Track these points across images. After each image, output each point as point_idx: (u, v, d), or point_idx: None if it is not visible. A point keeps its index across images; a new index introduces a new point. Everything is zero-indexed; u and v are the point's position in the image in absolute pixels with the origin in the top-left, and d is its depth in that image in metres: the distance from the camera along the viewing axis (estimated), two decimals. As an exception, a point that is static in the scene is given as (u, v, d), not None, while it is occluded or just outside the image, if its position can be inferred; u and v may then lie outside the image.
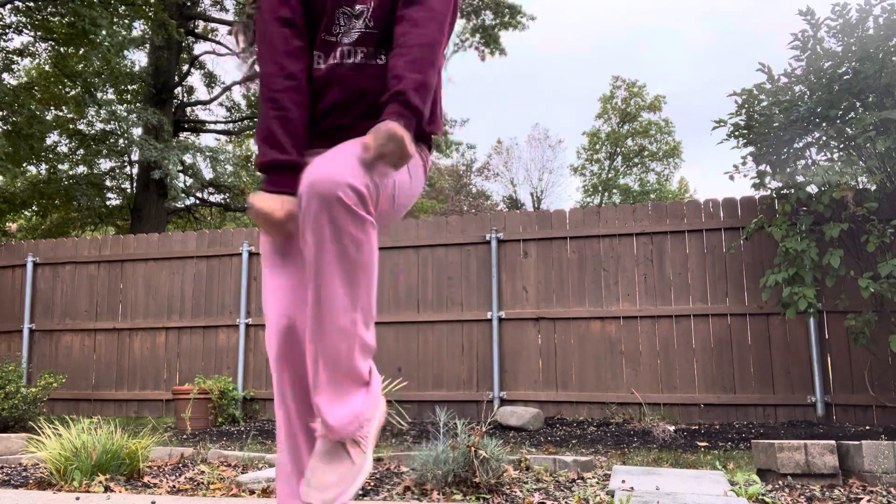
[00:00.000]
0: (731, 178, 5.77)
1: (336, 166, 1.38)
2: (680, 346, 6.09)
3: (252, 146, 20.89)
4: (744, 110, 5.61)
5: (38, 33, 10.92)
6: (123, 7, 10.67)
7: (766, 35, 44.00)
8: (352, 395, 1.48)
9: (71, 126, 13.54)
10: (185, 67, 15.57)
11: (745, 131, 5.64)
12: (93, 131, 13.87)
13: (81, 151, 14.08)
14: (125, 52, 12.21)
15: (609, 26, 46.24)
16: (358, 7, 1.60)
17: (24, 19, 10.70)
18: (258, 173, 1.55)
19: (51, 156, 13.43)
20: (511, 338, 6.47)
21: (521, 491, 3.06)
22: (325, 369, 1.44)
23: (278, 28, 1.60)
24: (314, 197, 1.36)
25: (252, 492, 3.10)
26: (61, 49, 11.39)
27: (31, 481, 3.40)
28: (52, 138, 13.55)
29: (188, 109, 16.44)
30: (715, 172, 44.36)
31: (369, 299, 1.47)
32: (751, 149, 5.70)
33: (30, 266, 7.80)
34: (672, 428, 5.45)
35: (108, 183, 15.44)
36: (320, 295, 1.41)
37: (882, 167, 5.14)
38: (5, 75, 11.57)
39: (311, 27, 1.64)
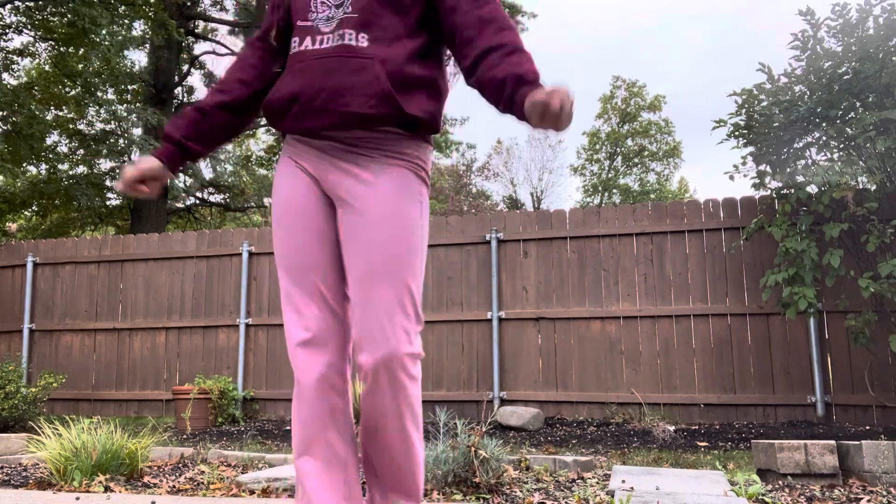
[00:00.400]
0: (731, 178, 5.77)
1: (389, 337, 1.54)
2: (680, 346, 6.09)
3: (252, 146, 20.95)
4: (744, 110, 5.61)
5: (38, 33, 10.91)
6: (123, 7, 10.67)
7: (766, 35, 44.02)
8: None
9: (71, 126, 13.54)
10: (185, 67, 15.57)
11: (745, 131, 5.64)
12: (93, 131, 13.86)
13: (81, 151, 14.08)
14: (125, 52, 12.20)
15: (609, 26, 46.25)
16: None
17: (24, 19, 10.70)
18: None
19: (51, 156, 13.41)
20: (511, 338, 6.48)
21: (521, 491, 3.06)
22: (387, 478, 1.65)
23: (245, 49, 1.81)
24: (381, 373, 1.55)
25: (252, 492, 3.10)
26: (61, 49, 11.39)
27: (31, 481, 3.40)
28: (52, 138, 13.54)
29: (188, 109, 16.43)
30: (715, 172, 44.36)
31: (420, 414, 1.65)
32: (751, 149, 5.70)
33: (30, 266, 7.80)
34: (672, 428, 5.45)
35: (108, 183, 15.43)
36: (391, 440, 1.60)
37: (882, 167, 5.14)
38: (5, 75, 11.57)
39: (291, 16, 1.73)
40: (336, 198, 1.65)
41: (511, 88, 1.47)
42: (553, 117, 1.36)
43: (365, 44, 1.59)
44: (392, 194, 1.60)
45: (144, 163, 1.68)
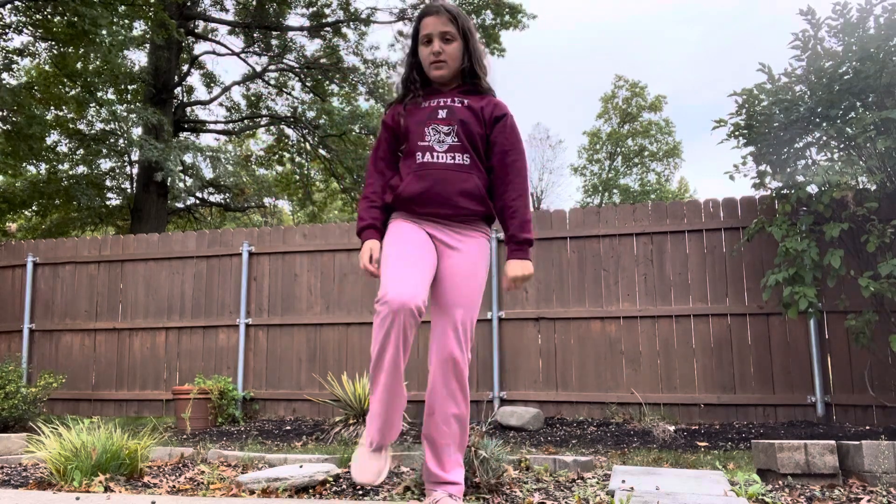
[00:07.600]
0: (732, 178, 5.76)
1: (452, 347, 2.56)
2: (680, 346, 6.09)
3: (252, 146, 20.98)
4: (744, 110, 5.61)
5: (38, 33, 10.91)
6: (123, 7, 10.67)
7: (766, 35, 44.02)
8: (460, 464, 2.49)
9: (71, 126, 13.53)
10: (185, 67, 15.56)
11: (746, 131, 5.64)
12: (93, 131, 13.85)
13: (81, 151, 14.08)
14: (125, 52, 12.19)
15: (609, 26, 46.26)
16: (445, 127, 2.38)
17: (24, 19, 10.70)
18: (358, 236, 2.53)
19: (51, 156, 13.41)
20: (511, 338, 6.47)
21: (521, 491, 3.06)
22: (456, 450, 2.54)
23: (374, 162, 2.54)
24: (443, 367, 2.65)
25: (252, 492, 3.10)
26: (61, 49, 11.39)
27: (31, 481, 3.40)
28: (52, 138, 13.54)
29: (188, 109, 16.43)
30: (715, 172, 44.37)
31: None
32: (751, 149, 5.70)
33: (30, 266, 7.80)
34: (672, 428, 5.45)
35: (108, 183, 15.43)
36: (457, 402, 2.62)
37: (882, 167, 5.14)
38: (5, 75, 11.56)
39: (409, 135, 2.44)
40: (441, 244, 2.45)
41: (510, 235, 2.44)
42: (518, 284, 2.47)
43: (466, 161, 2.37)
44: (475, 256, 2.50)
45: (375, 250, 2.42)
